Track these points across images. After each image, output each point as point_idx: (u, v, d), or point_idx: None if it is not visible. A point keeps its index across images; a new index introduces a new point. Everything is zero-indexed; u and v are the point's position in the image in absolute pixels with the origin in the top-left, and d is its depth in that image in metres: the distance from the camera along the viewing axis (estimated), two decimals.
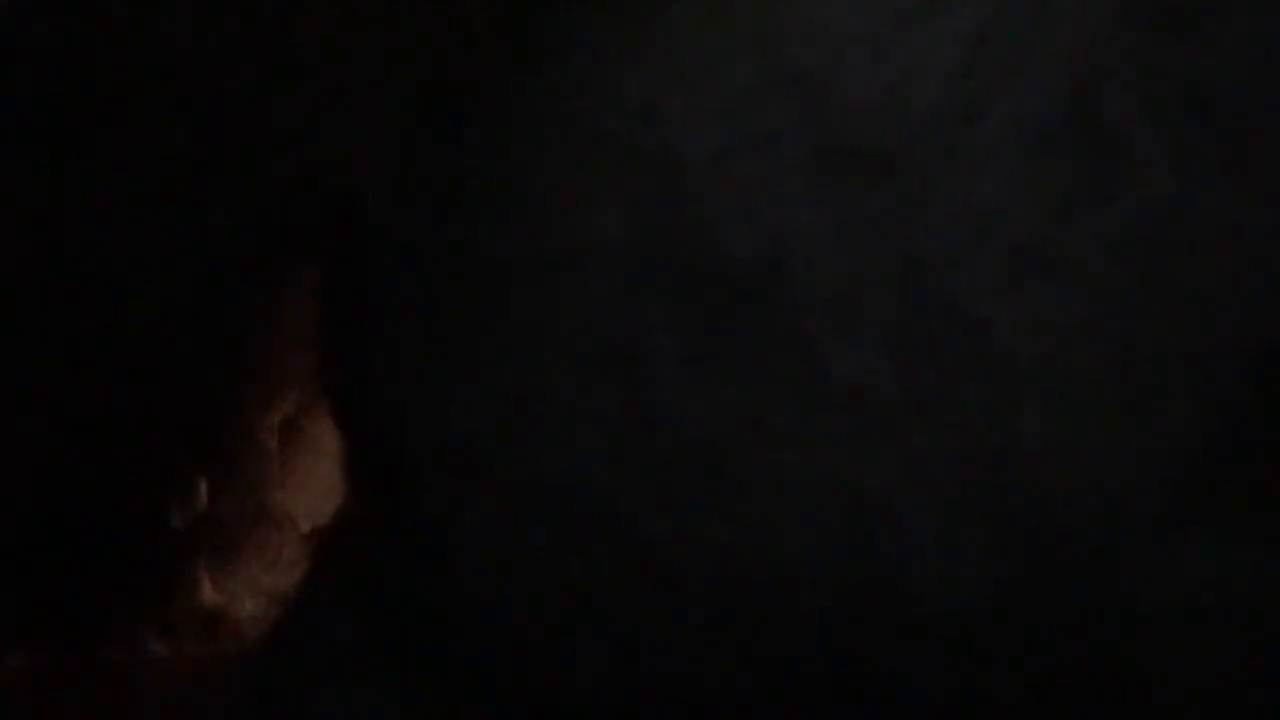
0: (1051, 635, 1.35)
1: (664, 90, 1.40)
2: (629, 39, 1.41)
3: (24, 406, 1.47)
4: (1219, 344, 1.33)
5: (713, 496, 1.38)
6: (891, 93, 1.36)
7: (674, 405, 1.38)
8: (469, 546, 1.46)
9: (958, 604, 1.35)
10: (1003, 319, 1.34)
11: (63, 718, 1.56)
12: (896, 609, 1.36)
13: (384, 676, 1.52)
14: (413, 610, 1.50)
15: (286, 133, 1.47)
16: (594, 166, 1.41)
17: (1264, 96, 1.33)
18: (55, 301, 1.44)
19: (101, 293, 1.45)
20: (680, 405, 1.38)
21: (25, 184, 1.42)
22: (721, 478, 1.38)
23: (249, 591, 1.59)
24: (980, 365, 1.35)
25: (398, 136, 1.48)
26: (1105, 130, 1.34)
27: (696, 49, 1.40)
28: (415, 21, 1.47)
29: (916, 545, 1.36)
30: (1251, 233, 1.33)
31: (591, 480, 1.41)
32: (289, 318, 1.55)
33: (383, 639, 1.52)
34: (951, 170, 1.35)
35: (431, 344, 1.47)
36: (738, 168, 1.38)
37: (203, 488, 1.57)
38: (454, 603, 1.48)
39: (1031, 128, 1.35)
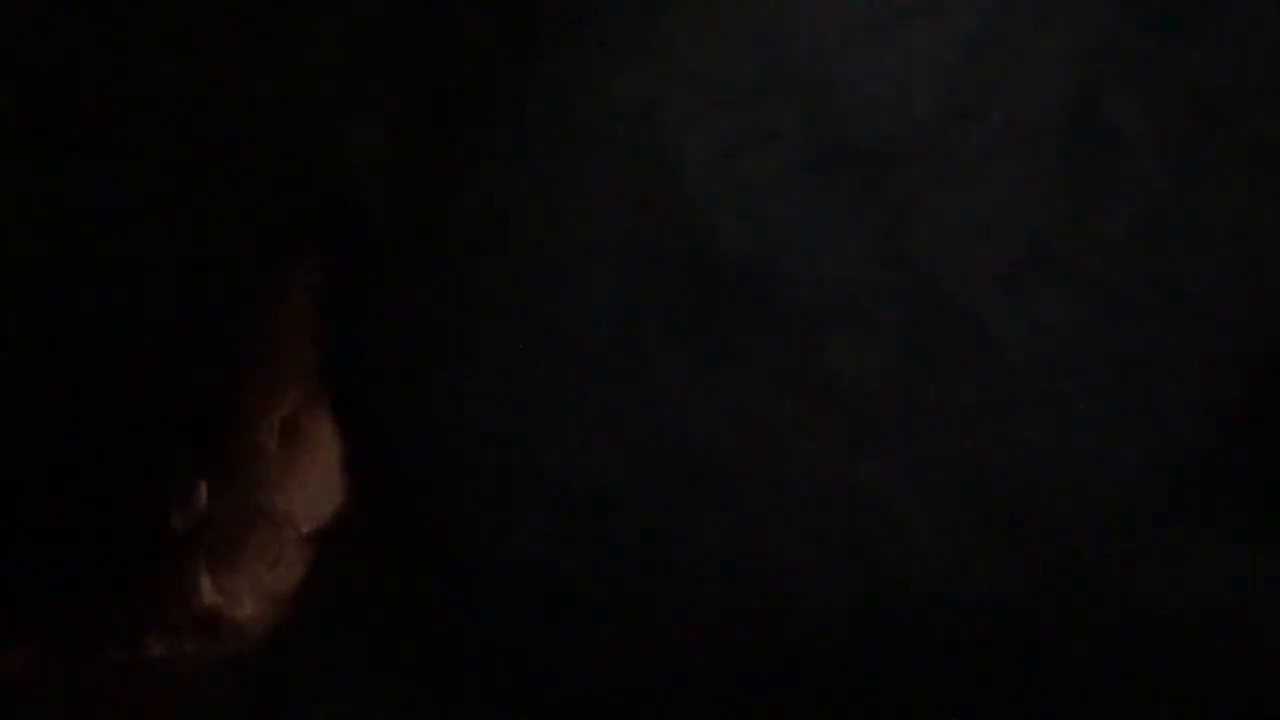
0: (1051, 634, 1.35)
1: (664, 90, 1.40)
2: (629, 39, 1.42)
3: (23, 406, 1.47)
4: (1218, 344, 1.33)
5: (713, 496, 1.39)
6: (891, 93, 1.36)
7: (674, 405, 1.39)
8: (469, 546, 1.46)
9: (957, 603, 1.35)
10: (1003, 319, 1.34)
11: (63, 718, 1.56)
12: (896, 608, 1.36)
13: (384, 677, 1.52)
14: (413, 610, 1.50)
15: (287, 132, 1.47)
16: (594, 166, 1.41)
17: (1264, 96, 1.33)
18: (54, 301, 1.44)
19: (101, 292, 1.46)
20: (680, 405, 1.38)
21: (25, 184, 1.42)
22: (721, 477, 1.38)
23: (249, 592, 1.59)
24: (980, 365, 1.35)
25: (398, 137, 1.48)
26: (1105, 130, 1.34)
27: (696, 49, 1.40)
28: (415, 21, 1.47)
29: (916, 545, 1.36)
30: (1251, 233, 1.33)
31: (592, 480, 1.41)
32: (289, 318, 1.55)
33: (383, 639, 1.52)
34: (951, 170, 1.35)
35: (431, 344, 1.47)
36: (738, 167, 1.38)
37: (203, 488, 1.57)
38: (454, 603, 1.48)
39: (1031, 128, 1.35)
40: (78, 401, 1.48)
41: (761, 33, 1.38)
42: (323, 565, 1.57)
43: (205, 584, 1.59)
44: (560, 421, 1.42)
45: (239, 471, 1.58)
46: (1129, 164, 1.34)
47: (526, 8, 1.44)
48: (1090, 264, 1.34)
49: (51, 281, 1.44)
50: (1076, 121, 1.34)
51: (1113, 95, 1.34)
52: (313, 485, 1.59)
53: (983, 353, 1.35)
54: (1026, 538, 1.35)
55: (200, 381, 1.53)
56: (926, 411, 1.35)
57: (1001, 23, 1.36)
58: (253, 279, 1.51)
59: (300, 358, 1.56)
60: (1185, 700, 1.36)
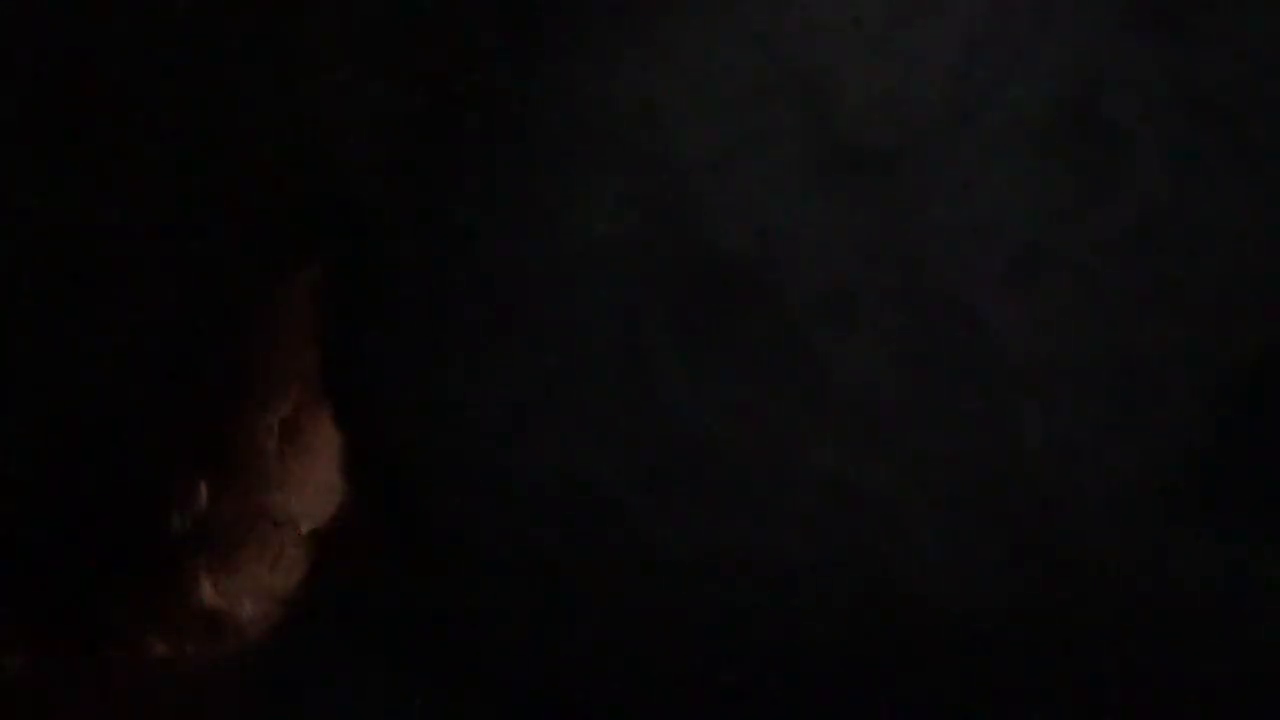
0: (1051, 633, 1.35)
1: (664, 90, 1.40)
2: (629, 39, 1.42)
3: (25, 407, 1.47)
4: (1218, 344, 1.33)
5: (713, 496, 1.39)
6: (891, 93, 1.36)
7: (674, 405, 1.39)
8: (469, 546, 1.46)
9: (957, 603, 1.35)
10: (1003, 319, 1.34)
11: (63, 718, 1.56)
12: (897, 608, 1.36)
13: (384, 676, 1.52)
14: (413, 610, 1.50)
15: (288, 133, 1.47)
16: (594, 166, 1.41)
17: (1264, 96, 1.33)
18: (55, 301, 1.44)
19: (102, 293, 1.46)
20: (680, 404, 1.38)
21: (26, 184, 1.42)
22: (721, 477, 1.38)
23: (249, 592, 1.59)
24: (980, 365, 1.35)
25: (399, 138, 1.48)
26: (1105, 130, 1.34)
27: (696, 49, 1.40)
28: (417, 22, 1.47)
29: (916, 545, 1.36)
30: (1251, 233, 1.33)
31: (592, 479, 1.41)
32: (289, 317, 1.55)
33: (383, 639, 1.52)
34: (952, 170, 1.35)
35: (431, 344, 1.47)
36: (738, 168, 1.38)
37: (203, 488, 1.57)
38: (454, 602, 1.48)
39: (1031, 128, 1.35)
40: (78, 402, 1.48)
41: (761, 33, 1.38)
42: (323, 565, 1.57)
43: (205, 584, 1.58)
44: (560, 421, 1.42)
45: (239, 471, 1.58)
46: (1129, 164, 1.34)
47: (527, 8, 1.44)
48: (1090, 264, 1.34)
49: (53, 282, 1.44)
50: (1076, 122, 1.34)
51: (1113, 95, 1.34)
52: (313, 485, 1.59)
53: (983, 353, 1.35)
54: (1026, 537, 1.35)
55: (200, 381, 1.53)
56: (926, 411, 1.35)
57: (1001, 23, 1.36)
58: (252, 279, 1.51)
59: (300, 358, 1.56)
60: (1185, 698, 1.36)
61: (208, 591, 1.58)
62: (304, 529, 1.60)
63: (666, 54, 1.41)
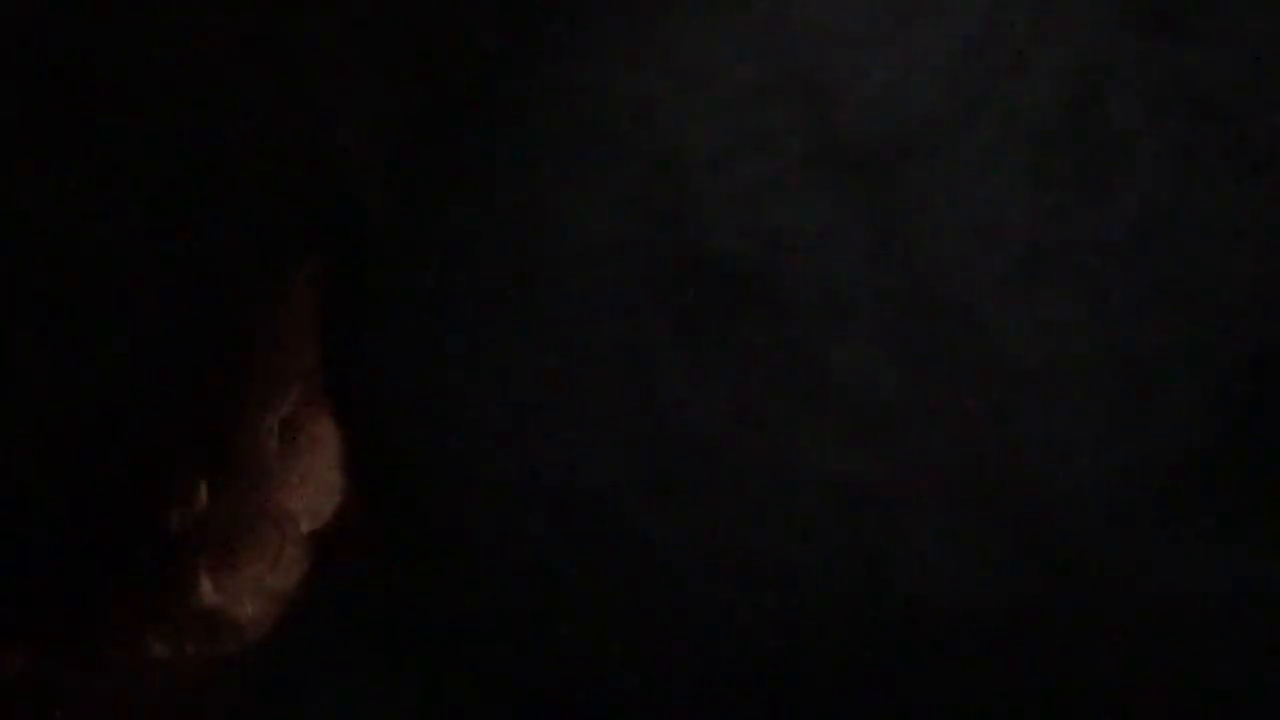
0: (1050, 634, 1.35)
1: (664, 90, 1.40)
2: (629, 39, 1.42)
3: (24, 406, 1.47)
4: (1218, 344, 1.33)
5: (712, 496, 1.39)
6: (891, 93, 1.36)
7: (673, 405, 1.39)
8: (469, 546, 1.46)
9: (957, 604, 1.35)
10: (1003, 319, 1.34)
11: (63, 718, 1.56)
12: (896, 609, 1.36)
13: (384, 676, 1.52)
14: (413, 610, 1.50)
15: (287, 132, 1.47)
16: (594, 166, 1.42)
17: (1264, 96, 1.33)
18: (54, 300, 1.44)
19: (102, 293, 1.46)
20: (680, 405, 1.38)
21: (25, 183, 1.42)
22: (721, 477, 1.38)
23: (249, 591, 1.59)
24: (981, 365, 1.35)
25: (398, 137, 1.48)
26: (1105, 130, 1.34)
27: (696, 49, 1.40)
28: (416, 21, 1.47)
29: (916, 545, 1.36)
30: (1251, 233, 1.33)
31: (591, 480, 1.41)
32: (289, 317, 1.55)
33: (383, 639, 1.52)
34: (951, 170, 1.35)
35: (431, 343, 1.47)
36: (738, 168, 1.38)
37: (203, 488, 1.56)
38: (454, 602, 1.48)
39: (1031, 128, 1.35)
40: (79, 401, 1.48)
41: (761, 33, 1.38)
42: (323, 565, 1.57)
43: (205, 584, 1.58)
44: (560, 421, 1.42)
45: (239, 471, 1.58)
46: (1129, 164, 1.34)
47: (527, 8, 1.44)
48: (1090, 264, 1.34)
49: (52, 281, 1.44)
50: (1076, 121, 1.34)
51: (1113, 95, 1.34)
52: (313, 484, 1.59)
53: (983, 353, 1.35)
54: (1025, 538, 1.35)
55: (200, 381, 1.53)
56: (926, 411, 1.35)
57: (1001, 23, 1.36)
58: (253, 279, 1.51)
59: (300, 358, 1.56)
60: (1184, 700, 1.36)
61: (208, 591, 1.58)
62: (304, 528, 1.60)
63: (666, 54, 1.41)
